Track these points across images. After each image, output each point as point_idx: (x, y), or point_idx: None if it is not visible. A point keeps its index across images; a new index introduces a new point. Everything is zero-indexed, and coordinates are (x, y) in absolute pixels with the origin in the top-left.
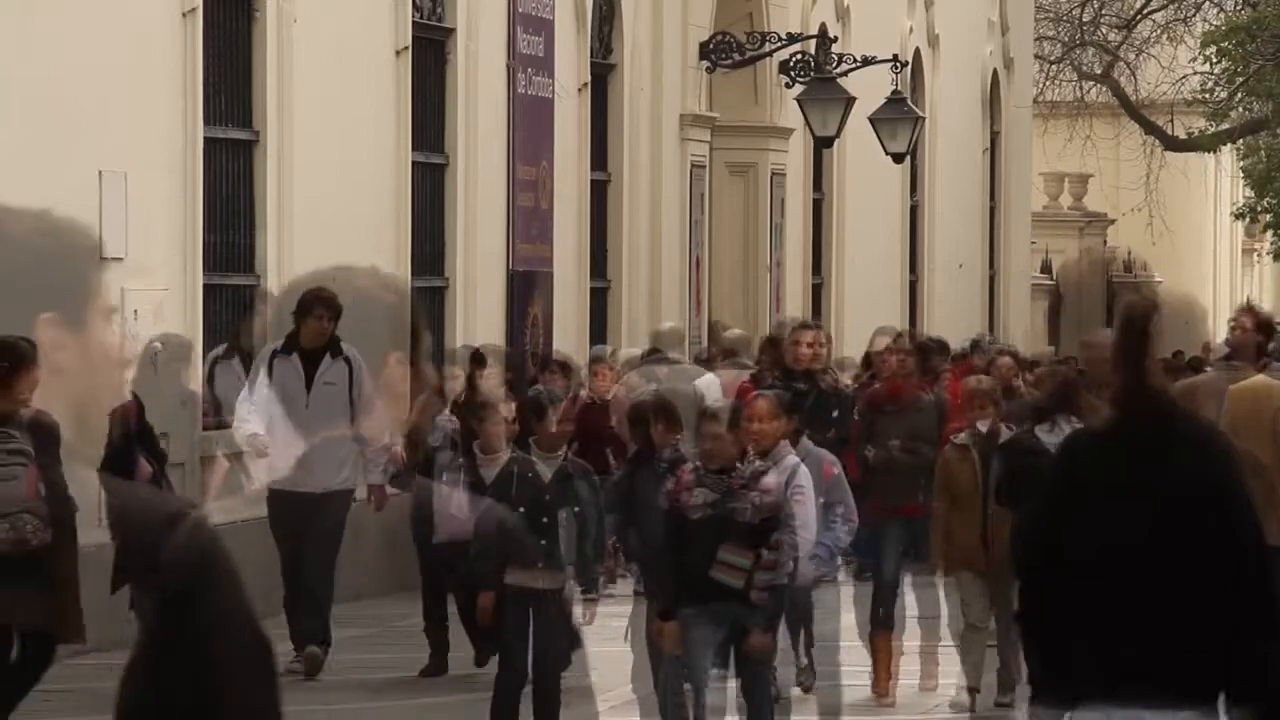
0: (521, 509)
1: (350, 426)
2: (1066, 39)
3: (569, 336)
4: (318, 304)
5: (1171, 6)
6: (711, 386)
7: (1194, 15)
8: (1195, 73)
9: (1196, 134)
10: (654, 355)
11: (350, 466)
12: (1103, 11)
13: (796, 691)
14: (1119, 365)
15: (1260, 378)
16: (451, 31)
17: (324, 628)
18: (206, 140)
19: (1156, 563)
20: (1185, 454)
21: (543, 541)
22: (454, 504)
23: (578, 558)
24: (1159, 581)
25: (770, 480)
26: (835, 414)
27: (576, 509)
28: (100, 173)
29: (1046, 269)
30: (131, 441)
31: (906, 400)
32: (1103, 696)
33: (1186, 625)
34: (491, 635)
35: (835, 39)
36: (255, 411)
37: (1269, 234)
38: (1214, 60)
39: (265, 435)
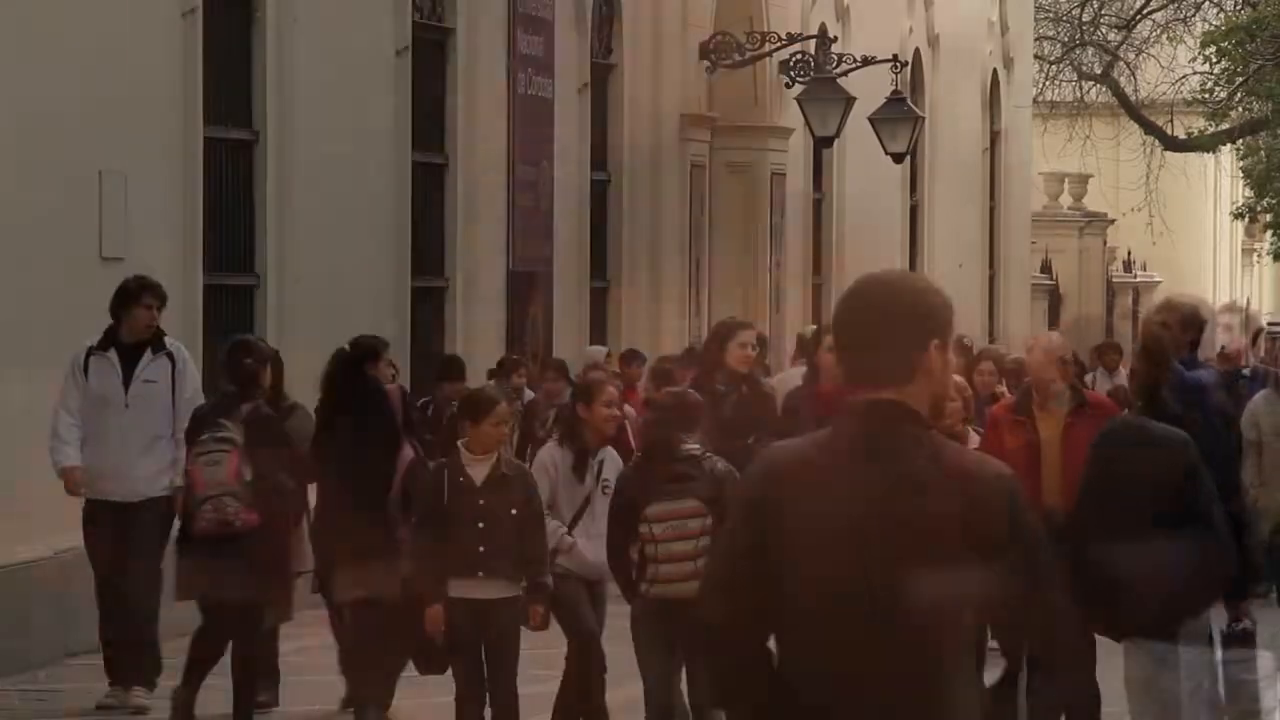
0: (514, 510)
1: (171, 429)
2: (1066, 39)
3: (569, 336)
4: (145, 292)
5: (1171, 6)
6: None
7: (1194, 15)
8: (1195, 73)
9: (1196, 134)
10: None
11: (171, 473)
12: (1103, 11)
13: None
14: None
15: None
16: (451, 31)
17: (152, 663)
18: (206, 140)
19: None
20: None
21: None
22: None
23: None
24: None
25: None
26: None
27: (514, 511)
28: (100, 173)
29: (1046, 269)
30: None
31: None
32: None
33: None
34: (438, 651)
35: (835, 39)
36: (74, 427)
37: (1269, 234)
38: (1214, 60)
39: (82, 468)
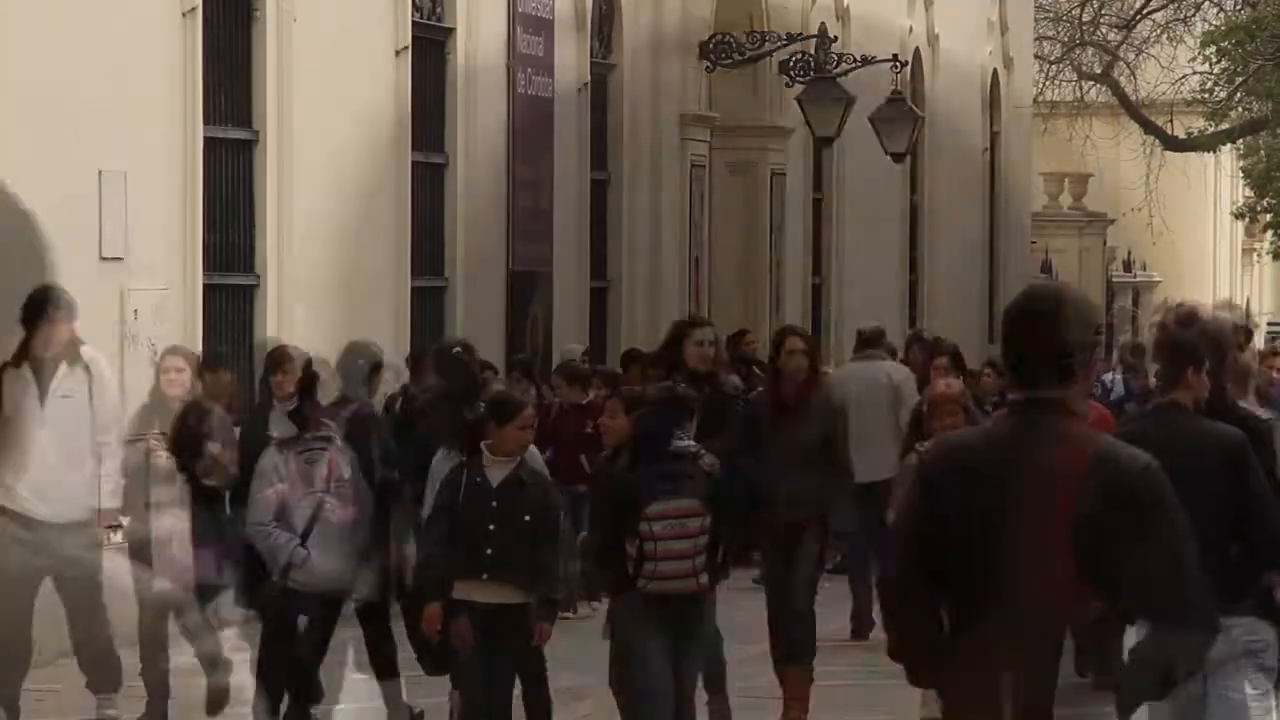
0: (527, 517)
1: (91, 444)
2: (1066, 39)
3: (569, 337)
4: (50, 305)
5: (1171, 6)
6: (902, 376)
7: (1194, 15)
8: (1195, 73)
9: (1196, 134)
10: (865, 353)
11: (97, 490)
12: (1103, 11)
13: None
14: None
15: None
16: (451, 31)
17: (114, 673)
18: (206, 140)
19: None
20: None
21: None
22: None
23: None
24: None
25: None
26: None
27: (527, 518)
28: (100, 173)
29: (1046, 269)
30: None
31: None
32: None
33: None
34: (439, 652)
35: (835, 39)
36: None
37: (1269, 234)
38: (1214, 60)
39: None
